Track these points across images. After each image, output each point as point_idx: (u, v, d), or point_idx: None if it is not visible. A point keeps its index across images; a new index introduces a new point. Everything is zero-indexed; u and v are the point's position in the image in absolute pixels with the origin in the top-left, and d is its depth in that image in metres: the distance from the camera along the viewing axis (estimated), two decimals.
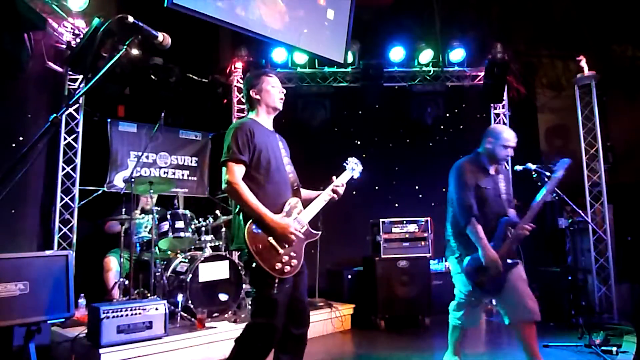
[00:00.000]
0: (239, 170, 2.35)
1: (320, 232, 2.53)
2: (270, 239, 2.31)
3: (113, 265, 4.64)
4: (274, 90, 2.59)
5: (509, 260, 3.05)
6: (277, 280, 2.28)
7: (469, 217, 2.99)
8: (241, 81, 6.54)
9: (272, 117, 2.64)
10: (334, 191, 2.60)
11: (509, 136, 3.14)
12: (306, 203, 2.56)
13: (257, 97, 2.57)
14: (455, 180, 3.13)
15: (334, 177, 2.66)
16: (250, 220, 2.30)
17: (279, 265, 2.29)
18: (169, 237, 4.60)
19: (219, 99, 6.71)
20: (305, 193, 2.63)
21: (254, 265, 2.27)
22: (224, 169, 2.38)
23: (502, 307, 3.11)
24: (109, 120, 5.66)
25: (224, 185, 2.37)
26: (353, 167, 2.79)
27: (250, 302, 2.36)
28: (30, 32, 4.45)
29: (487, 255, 2.95)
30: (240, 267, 4.69)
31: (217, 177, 6.63)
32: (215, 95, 6.70)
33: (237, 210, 2.42)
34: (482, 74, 6.37)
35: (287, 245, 2.34)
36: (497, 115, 6.67)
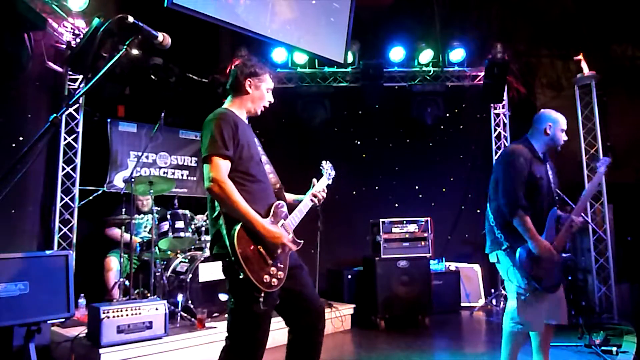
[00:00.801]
0: (225, 167, 2.07)
1: (302, 242, 2.30)
2: (261, 247, 2.07)
3: (114, 265, 4.64)
4: (267, 95, 2.37)
5: (563, 254, 2.85)
6: (263, 294, 2.02)
7: (517, 208, 2.73)
8: None
9: (247, 116, 2.38)
10: (314, 195, 2.42)
11: (564, 120, 2.97)
12: (289, 207, 2.35)
13: (249, 89, 2.31)
14: (506, 166, 2.84)
15: (314, 180, 2.50)
16: (240, 225, 2.03)
17: (267, 278, 2.04)
18: (169, 237, 4.60)
19: (219, 99, 6.71)
20: (287, 196, 2.43)
21: (240, 276, 1.99)
22: (206, 165, 2.08)
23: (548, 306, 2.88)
24: (109, 120, 5.65)
25: (207, 184, 2.05)
26: (329, 172, 2.59)
27: (227, 316, 2.15)
28: (30, 32, 4.45)
29: (540, 245, 2.69)
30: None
31: None
32: (215, 95, 6.70)
33: (216, 212, 2.14)
34: (482, 74, 6.37)
35: (276, 256, 2.11)
36: (497, 115, 6.67)
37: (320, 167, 2.58)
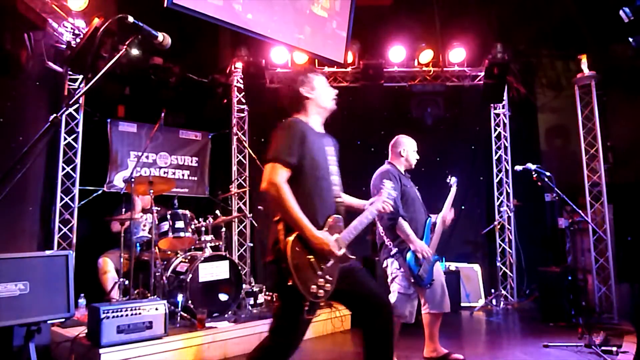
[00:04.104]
0: (284, 173, 2.13)
1: (354, 258, 2.31)
2: (312, 258, 2.11)
3: (109, 267, 4.62)
4: (328, 89, 2.41)
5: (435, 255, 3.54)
6: (308, 303, 2.09)
7: (397, 216, 3.31)
8: (241, 81, 6.55)
9: (323, 119, 2.46)
10: (378, 210, 2.50)
11: (414, 143, 3.67)
12: (347, 213, 2.42)
13: (310, 95, 2.36)
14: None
15: (368, 202, 2.58)
16: (296, 234, 2.09)
17: (314, 288, 2.09)
18: (169, 237, 4.60)
19: (219, 99, 6.71)
20: (347, 202, 2.53)
21: (289, 283, 2.04)
22: (267, 167, 2.15)
23: (428, 298, 3.48)
24: (109, 120, 5.66)
25: (264, 184, 2.12)
26: (388, 192, 2.61)
27: (273, 318, 2.27)
28: (30, 32, 4.45)
29: (422, 248, 3.34)
30: (240, 267, 4.69)
31: (217, 177, 6.64)
32: (215, 95, 6.70)
33: (277, 217, 2.19)
34: (482, 74, 6.37)
35: (325, 268, 2.15)
36: (497, 115, 6.67)
37: (381, 186, 2.65)
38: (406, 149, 3.61)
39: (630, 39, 4.22)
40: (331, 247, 2.12)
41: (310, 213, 2.14)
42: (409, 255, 3.37)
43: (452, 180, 3.81)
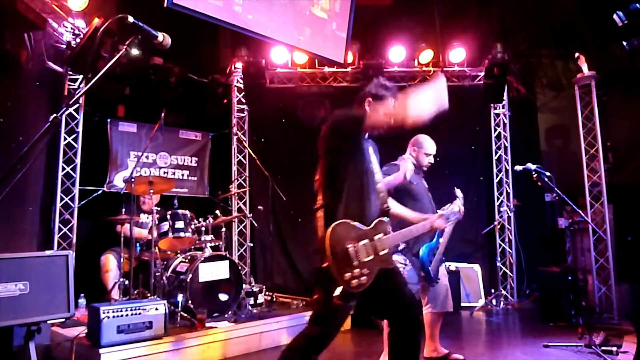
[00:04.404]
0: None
1: (394, 265, 2.40)
2: (351, 248, 2.17)
3: (112, 265, 4.64)
4: (386, 117, 2.39)
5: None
6: (341, 289, 2.13)
7: None
8: (241, 81, 6.55)
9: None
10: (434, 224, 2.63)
11: (430, 144, 3.76)
12: (399, 225, 2.52)
13: (367, 107, 2.46)
14: None
15: (440, 211, 2.73)
16: (337, 222, 2.17)
17: (347, 276, 2.13)
18: (169, 237, 4.60)
19: (219, 99, 6.71)
20: (399, 212, 2.70)
21: (325, 265, 2.14)
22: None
23: (430, 297, 3.55)
24: (109, 120, 5.66)
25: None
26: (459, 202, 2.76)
27: (313, 307, 2.33)
28: (30, 32, 4.45)
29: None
30: (240, 267, 4.69)
31: (217, 177, 6.64)
32: (215, 95, 6.70)
33: (316, 206, 2.30)
34: (482, 74, 6.37)
35: (363, 261, 2.18)
36: (497, 115, 6.67)
37: (444, 209, 2.78)
38: (417, 150, 3.69)
39: (624, 43, 4.23)
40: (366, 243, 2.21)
41: (358, 210, 2.24)
42: (422, 249, 3.37)
43: (458, 192, 3.67)
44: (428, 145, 3.72)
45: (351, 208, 2.23)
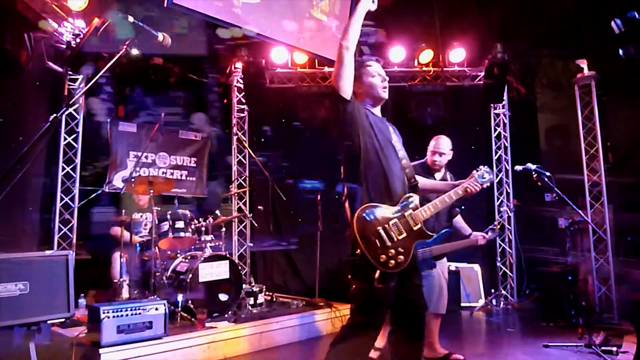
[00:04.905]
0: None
1: (432, 235, 2.30)
2: (380, 229, 2.13)
3: (117, 263, 4.64)
4: (375, 80, 2.41)
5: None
6: (378, 272, 2.08)
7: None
8: (241, 81, 6.55)
9: (379, 107, 2.47)
10: (465, 190, 2.45)
11: (437, 142, 3.83)
12: (430, 196, 2.45)
13: (359, 90, 2.40)
14: None
15: (474, 172, 2.53)
16: (363, 207, 2.14)
17: (383, 257, 2.09)
18: (169, 237, 4.60)
19: (219, 99, 6.71)
20: (429, 185, 2.70)
21: (357, 251, 2.09)
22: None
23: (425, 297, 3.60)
24: (109, 120, 5.65)
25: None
26: (483, 175, 2.55)
27: (350, 298, 2.22)
28: (30, 32, 4.45)
29: None
30: (240, 267, 4.69)
31: (217, 177, 6.65)
32: (215, 95, 6.70)
33: (343, 197, 2.27)
34: (482, 74, 6.37)
35: (396, 239, 2.14)
36: (497, 115, 6.67)
37: (476, 170, 2.61)
38: (429, 149, 3.86)
39: (620, 51, 4.23)
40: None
41: (378, 192, 2.20)
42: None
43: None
44: (432, 143, 3.85)
45: (373, 190, 2.19)
